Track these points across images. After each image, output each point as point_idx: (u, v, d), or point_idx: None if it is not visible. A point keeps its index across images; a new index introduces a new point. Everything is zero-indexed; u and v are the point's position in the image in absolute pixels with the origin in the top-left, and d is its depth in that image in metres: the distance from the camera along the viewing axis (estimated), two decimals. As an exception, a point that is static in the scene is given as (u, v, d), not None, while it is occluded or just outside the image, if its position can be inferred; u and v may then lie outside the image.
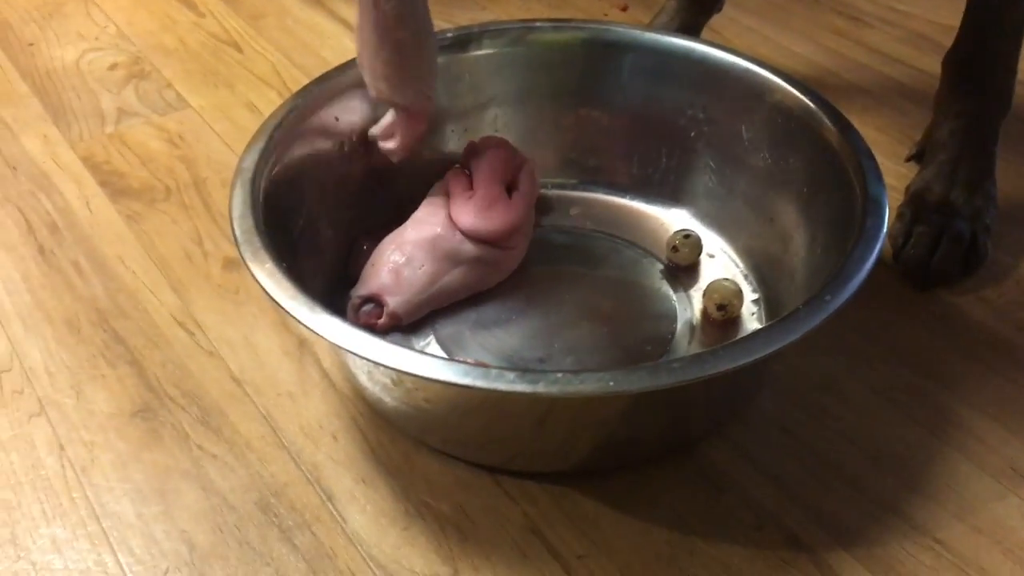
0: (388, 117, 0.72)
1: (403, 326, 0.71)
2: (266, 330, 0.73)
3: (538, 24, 0.82)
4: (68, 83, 1.00)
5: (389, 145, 0.72)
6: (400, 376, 0.57)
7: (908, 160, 0.85)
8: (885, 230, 0.60)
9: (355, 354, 0.54)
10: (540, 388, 0.51)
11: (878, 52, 1.03)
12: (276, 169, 0.68)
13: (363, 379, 0.64)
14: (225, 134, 0.93)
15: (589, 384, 0.51)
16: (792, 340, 0.54)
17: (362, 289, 0.71)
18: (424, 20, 0.68)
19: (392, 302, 0.70)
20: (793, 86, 0.73)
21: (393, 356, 0.53)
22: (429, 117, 0.72)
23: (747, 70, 0.76)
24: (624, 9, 1.11)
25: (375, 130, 0.73)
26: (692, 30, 0.94)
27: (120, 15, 1.12)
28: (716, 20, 0.96)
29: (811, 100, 0.72)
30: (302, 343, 0.72)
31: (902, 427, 0.65)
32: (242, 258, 0.60)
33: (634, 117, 0.81)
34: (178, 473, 0.62)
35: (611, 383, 0.51)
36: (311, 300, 0.56)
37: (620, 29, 0.80)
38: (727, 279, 0.72)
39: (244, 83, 1.00)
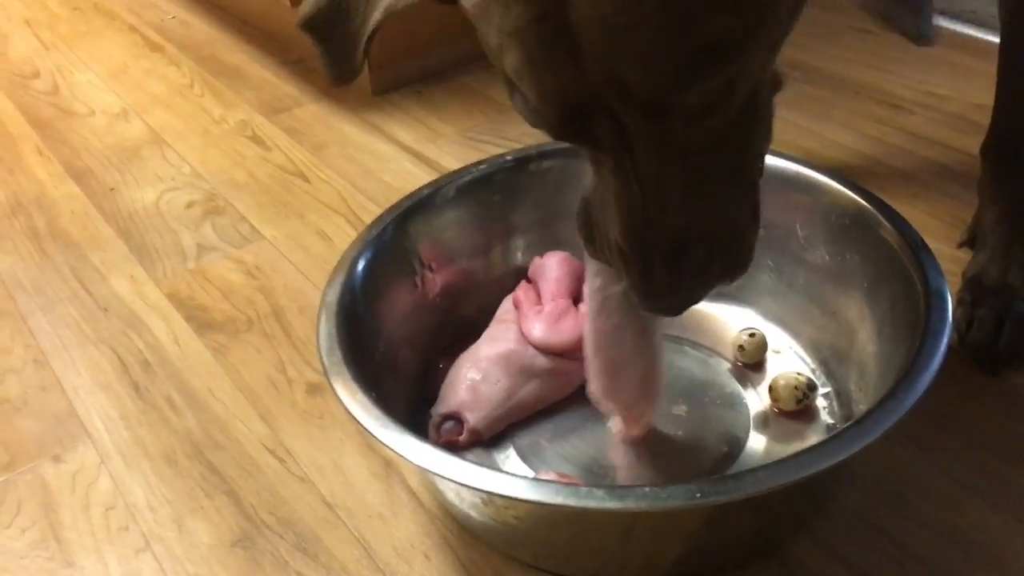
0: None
1: (483, 440, 0.73)
2: (353, 453, 0.75)
3: (591, 141, 0.86)
4: (149, 223, 1.06)
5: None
6: (491, 496, 0.60)
7: (960, 246, 0.87)
8: (950, 323, 0.62)
9: (454, 481, 0.56)
10: (630, 504, 0.53)
11: (920, 137, 1.06)
12: (357, 299, 0.72)
13: (451, 497, 0.67)
14: (299, 263, 0.98)
15: (677, 498, 0.53)
16: (871, 441, 0.55)
17: (442, 407, 0.74)
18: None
19: (472, 418, 0.73)
20: (842, 184, 0.76)
21: (487, 480, 0.55)
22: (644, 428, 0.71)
23: (795, 172, 0.79)
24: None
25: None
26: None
27: (193, 155, 1.19)
28: (759, 118, 1.00)
29: (862, 197, 0.74)
30: (388, 464, 0.74)
31: (987, 516, 0.65)
32: (333, 391, 0.63)
33: (690, 222, 0.84)
34: (280, 601, 0.65)
35: (698, 495, 0.53)
36: (407, 430, 0.59)
37: (671, 141, 0.84)
38: (798, 372, 0.74)
39: (313, 212, 1.05)
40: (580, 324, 0.77)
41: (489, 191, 0.83)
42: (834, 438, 0.56)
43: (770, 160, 0.79)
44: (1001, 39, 0.77)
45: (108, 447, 0.79)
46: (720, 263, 0.50)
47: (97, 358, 0.88)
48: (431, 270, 0.80)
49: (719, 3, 0.40)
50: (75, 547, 0.70)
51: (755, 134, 0.48)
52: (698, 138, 0.44)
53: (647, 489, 0.53)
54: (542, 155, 0.84)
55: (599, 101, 0.43)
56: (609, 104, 0.43)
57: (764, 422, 0.73)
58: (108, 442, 0.79)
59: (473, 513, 0.65)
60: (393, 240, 0.78)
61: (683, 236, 0.47)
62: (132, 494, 0.74)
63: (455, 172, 0.84)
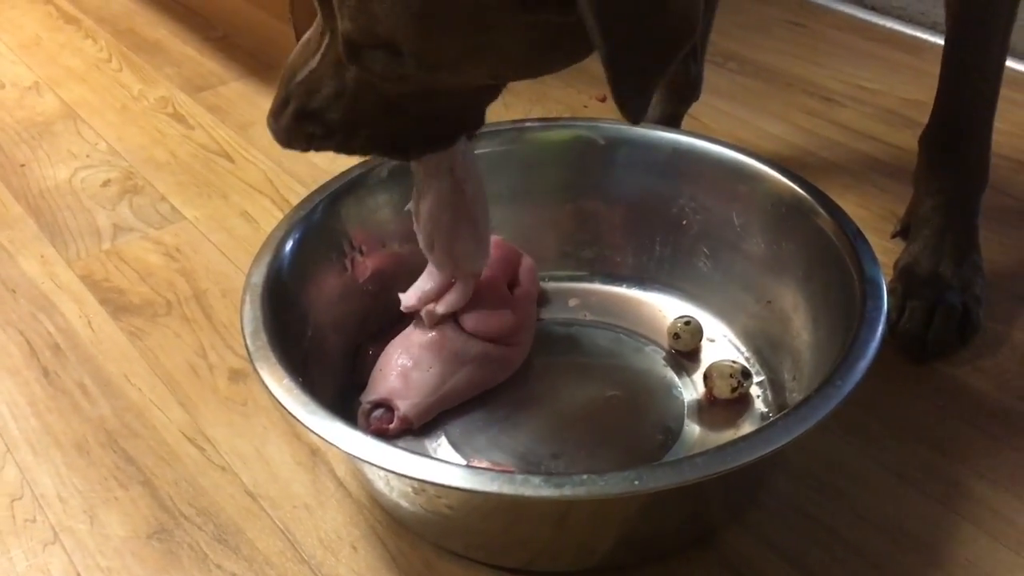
0: (427, 281, 0.71)
1: (414, 429, 0.71)
2: (277, 441, 0.73)
3: (528, 124, 0.84)
4: (62, 202, 1.01)
5: (440, 309, 0.71)
6: (422, 484, 0.58)
7: (894, 236, 0.88)
8: (886, 311, 0.62)
9: (385, 469, 0.54)
10: (567, 492, 0.51)
11: (851, 130, 1.07)
12: (284, 281, 0.69)
13: (380, 486, 0.65)
14: (222, 244, 0.94)
15: (615, 485, 0.52)
16: (808, 428, 0.55)
17: (371, 394, 0.72)
18: (484, 190, 0.69)
19: (403, 406, 0.70)
20: (780, 173, 0.76)
21: (419, 467, 0.53)
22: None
23: (734, 159, 0.78)
24: (603, 100, 1.14)
25: (411, 300, 0.71)
26: (673, 119, 0.97)
27: (109, 131, 1.14)
28: (694, 106, 0.99)
29: (799, 186, 0.74)
30: (314, 452, 0.72)
31: (918, 504, 0.66)
32: (258, 375, 0.60)
33: (627, 209, 0.83)
34: (199, 595, 0.62)
35: (636, 482, 0.52)
36: (337, 417, 0.56)
37: (608, 125, 0.83)
38: (732, 360, 0.73)
39: (238, 193, 1.01)
40: (515, 310, 0.75)
41: (423, 172, 0.80)
42: (771, 425, 0.55)
43: (709, 148, 0.80)
44: (946, 34, 0.77)
45: (15, 435, 0.74)
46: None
47: (3, 342, 0.83)
48: (361, 253, 0.77)
49: None
50: (-24, 541, 0.66)
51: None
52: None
53: (584, 476, 0.52)
54: (478, 136, 0.82)
55: None
56: None
57: (699, 410, 0.72)
58: (15, 429, 0.74)
59: (403, 502, 0.63)
60: (323, 221, 0.75)
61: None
62: (40, 484, 0.70)
63: (388, 152, 0.81)
